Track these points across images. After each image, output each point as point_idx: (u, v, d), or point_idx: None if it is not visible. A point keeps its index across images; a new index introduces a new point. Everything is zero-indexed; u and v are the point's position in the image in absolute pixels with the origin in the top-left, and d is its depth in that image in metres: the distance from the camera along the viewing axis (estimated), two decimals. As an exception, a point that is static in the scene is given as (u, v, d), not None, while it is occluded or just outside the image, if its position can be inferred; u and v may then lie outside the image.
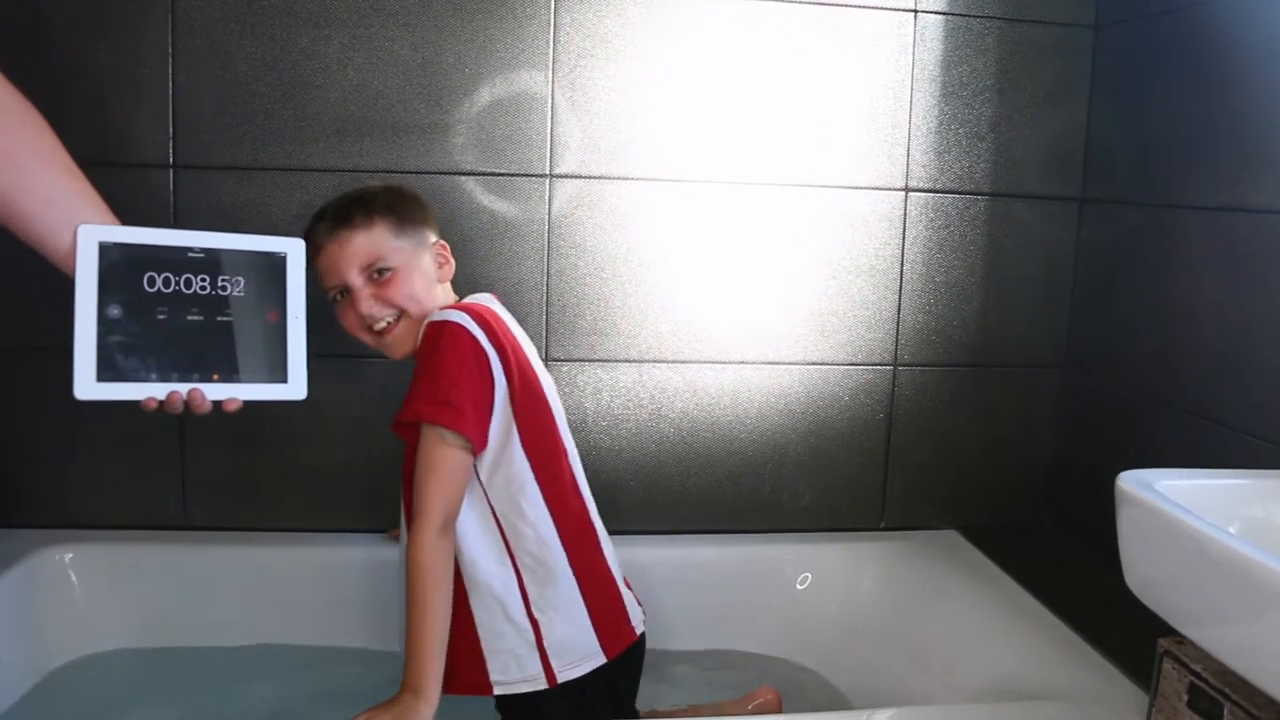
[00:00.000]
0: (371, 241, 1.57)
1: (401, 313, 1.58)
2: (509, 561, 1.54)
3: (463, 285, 1.95)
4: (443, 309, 1.53)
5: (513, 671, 1.53)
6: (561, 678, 1.53)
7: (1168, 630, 1.20)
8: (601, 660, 1.57)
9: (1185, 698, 1.27)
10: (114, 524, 2.00)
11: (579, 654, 1.56)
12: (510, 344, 1.54)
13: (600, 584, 1.61)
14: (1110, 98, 2.06)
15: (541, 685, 1.53)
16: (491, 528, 1.54)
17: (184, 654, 1.94)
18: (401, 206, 1.62)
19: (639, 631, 1.66)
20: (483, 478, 1.52)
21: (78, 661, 1.89)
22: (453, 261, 1.66)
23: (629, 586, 1.70)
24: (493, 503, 1.53)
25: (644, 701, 1.83)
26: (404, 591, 1.46)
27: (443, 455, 1.45)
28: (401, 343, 1.60)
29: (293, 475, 2.03)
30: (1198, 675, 1.25)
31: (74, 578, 1.93)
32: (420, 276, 1.60)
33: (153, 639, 1.94)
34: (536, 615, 1.53)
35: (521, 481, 1.53)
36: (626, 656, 1.62)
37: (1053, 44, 2.08)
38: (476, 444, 1.47)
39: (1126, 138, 2.00)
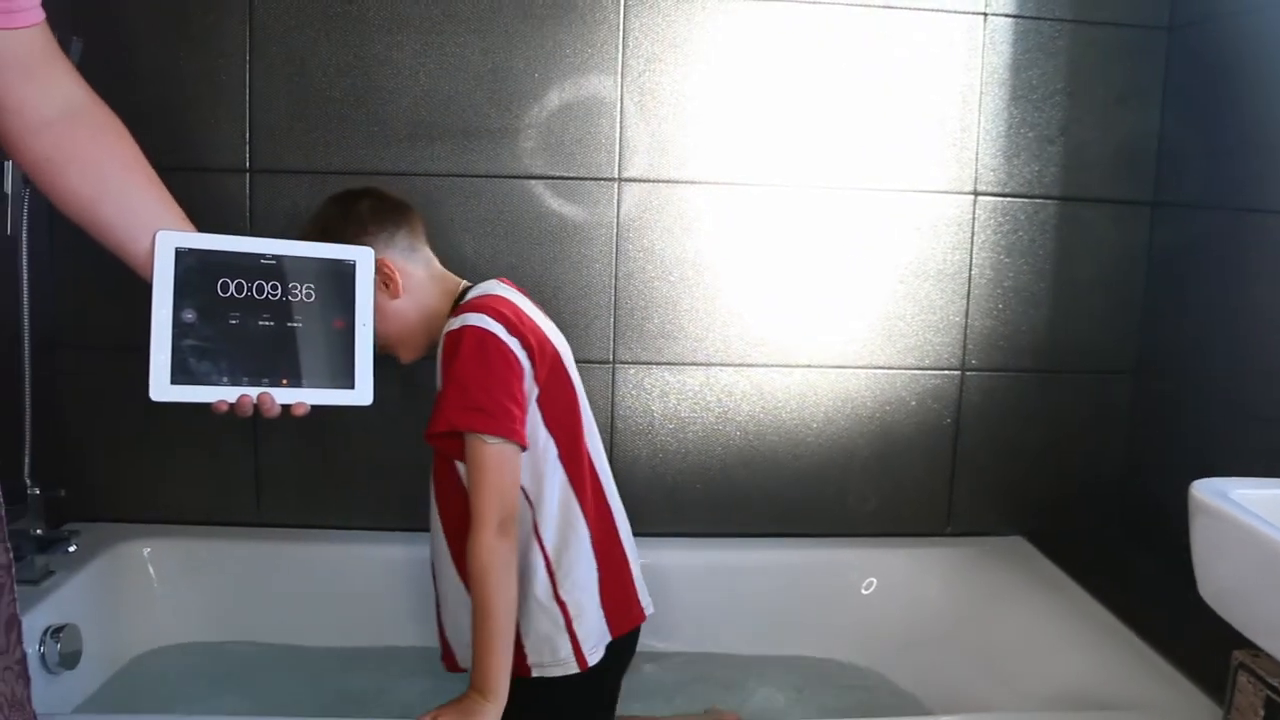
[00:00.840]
0: None
1: None
2: (536, 544, 1.55)
3: (529, 289, 1.97)
4: (459, 312, 1.52)
5: (546, 655, 1.54)
6: (590, 661, 1.54)
7: (1242, 642, 1.19)
8: (608, 639, 1.58)
9: (1261, 712, 1.25)
10: (190, 519, 2.05)
11: (597, 637, 1.57)
12: (530, 328, 1.54)
13: (616, 562, 1.62)
14: (1183, 100, 2.03)
15: (574, 669, 1.54)
16: (523, 508, 1.54)
17: (254, 647, 1.98)
18: (332, 226, 1.58)
19: (648, 613, 1.66)
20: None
21: (155, 651, 1.94)
22: (400, 280, 1.57)
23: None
24: (521, 483, 1.53)
25: (705, 700, 1.84)
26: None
27: (485, 456, 1.45)
28: (400, 351, 1.63)
29: (365, 472, 2.06)
30: (1275, 689, 1.23)
31: (152, 571, 1.98)
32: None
33: (225, 632, 1.99)
34: (564, 597, 1.54)
35: (547, 461, 1.55)
36: (629, 636, 1.63)
37: (1125, 46, 2.06)
38: (519, 441, 1.47)
39: (1200, 140, 1.97)
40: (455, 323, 1.50)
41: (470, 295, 1.59)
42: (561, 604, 1.54)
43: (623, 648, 1.63)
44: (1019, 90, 2.05)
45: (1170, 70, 2.06)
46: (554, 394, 1.55)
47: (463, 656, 1.61)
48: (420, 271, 1.61)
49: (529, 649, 1.54)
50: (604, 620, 1.58)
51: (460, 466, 1.53)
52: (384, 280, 1.57)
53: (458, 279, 1.66)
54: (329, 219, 1.60)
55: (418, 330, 1.62)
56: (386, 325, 1.58)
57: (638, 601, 1.65)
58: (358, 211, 1.60)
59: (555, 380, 1.56)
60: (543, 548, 1.55)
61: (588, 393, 1.98)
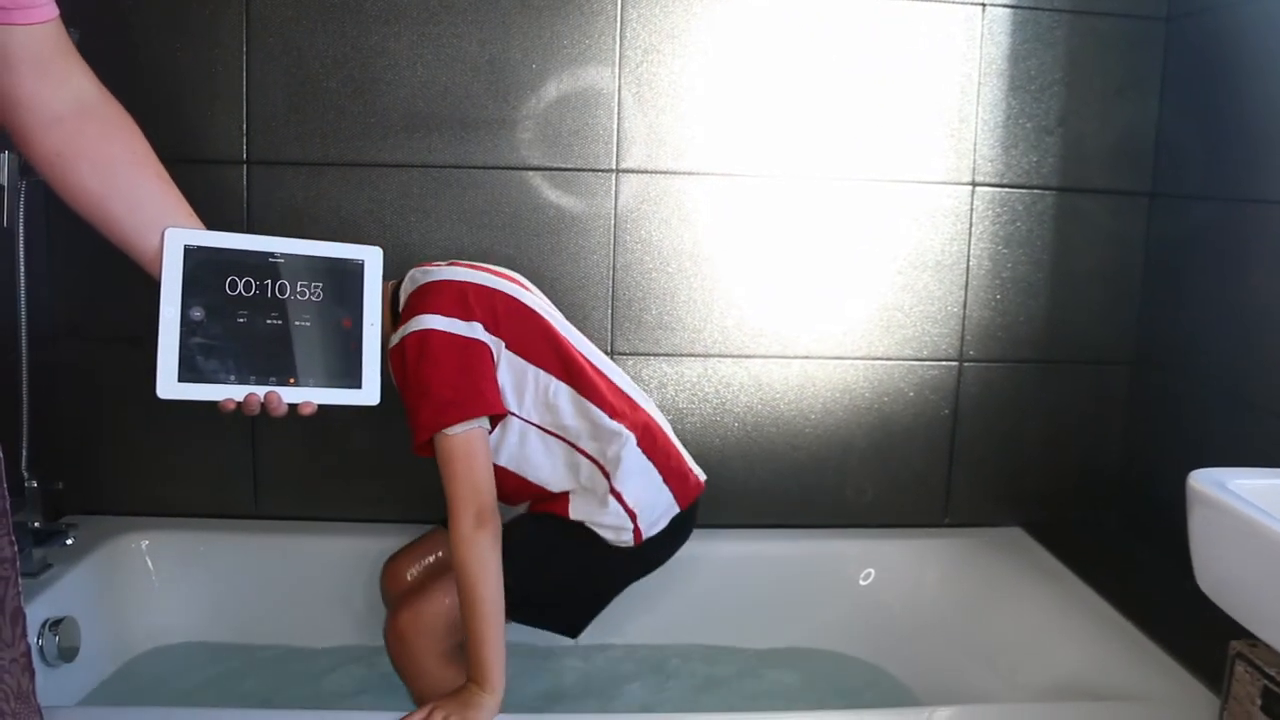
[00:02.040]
0: None
1: None
2: (581, 457, 1.62)
3: (532, 281, 1.97)
4: (411, 313, 1.54)
5: (609, 536, 1.61)
6: (646, 535, 1.63)
7: (1240, 632, 1.19)
8: (677, 510, 1.67)
9: (1259, 701, 1.26)
10: (188, 512, 2.05)
11: (660, 511, 1.65)
12: (484, 298, 1.57)
13: (663, 447, 1.67)
14: (1182, 91, 2.03)
15: (629, 543, 1.62)
16: (550, 442, 1.62)
17: (252, 640, 1.99)
18: None
19: (702, 478, 1.74)
20: (512, 408, 1.58)
21: (153, 644, 1.94)
22: None
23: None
24: (537, 422, 1.60)
25: (702, 691, 1.84)
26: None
27: (450, 448, 1.48)
28: None
29: (363, 465, 2.06)
30: (1272, 679, 1.24)
31: (150, 564, 1.98)
32: None
33: (224, 624, 1.99)
34: (627, 500, 1.60)
35: (548, 391, 1.60)
36: (690, 509, 1.72)
37: (1123, 37, 2.06)
38: (493, 409, 1.51)
39: (1198, 131, 1.97)
40: (407, 329, 1.53)
41: (403, 297, 1.61)
42: (627, 509, 1.61)
43: (684, 520, 1.71)
44: (1017, 81, 2.05)
45: (1168, 61, 2.06)
46: (526, 338, 1.60)
47: None
48: None
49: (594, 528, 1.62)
50: (671, 494, 1.66)
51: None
52: None
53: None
54: None
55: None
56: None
57: (691, 473, 1.72)
58: None
59: (524, 326, 1.61)
60: (594, 460, 1.62)
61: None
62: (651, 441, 1.64)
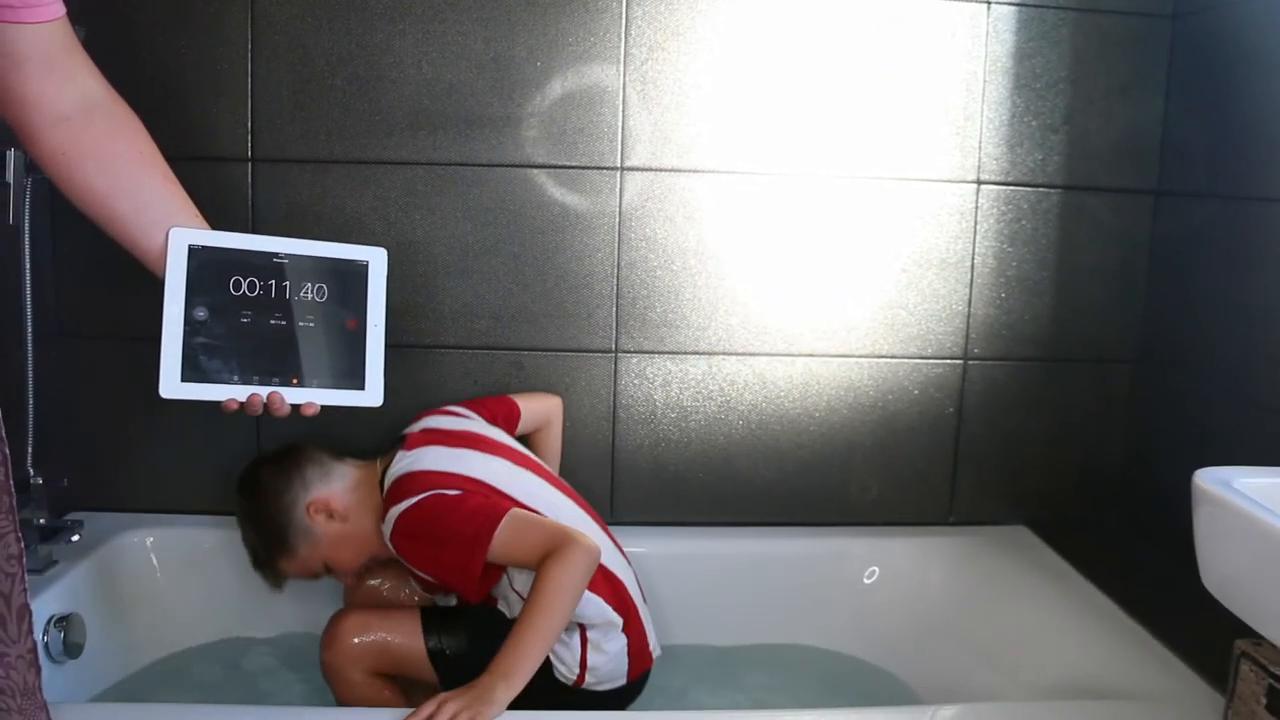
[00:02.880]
0: (294, 573, 1.73)
1: (348, 570, 1.73)
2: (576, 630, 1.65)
3: (531, 278, 1.98)
4: (393, 502, 1.59)
5: (556, 664, 1.63)
6: (586, 687, 1.65)
7: (1245, 631, 1.19)
8: (623, 683, 1.69)
9: (1264, 700, 1.25)
10: (193, 509, 2.05)
11: (610, 680, 1.67)
12: (441, 479, 1.62)
13: (635, 622, 1.70)
14: (1188, 89, 2.02)
15: (569, 683, 1.64)
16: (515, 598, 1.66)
17: (255, 636, 2.00)
18: (269, 543, 1.69)
19: (655, 655, 1.76)
20: (515, 585, 1.63)
21: (158, 641, 1.94)
22: (337, 508, 1.69)
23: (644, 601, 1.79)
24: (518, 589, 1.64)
25: (704, 689, 1.85)
26: None
27: (505, 549, 1.53)
28: (378, 557, 1.75)
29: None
30: (1277, 678, 1.23)
31: (155, 560, 1.98)
32: (343, 549, 1.70)
33: (227, 621, 2.00)
34: (588, 657, 1.65)
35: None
36: (640, 679, 1.73)
37: (1129, 34, 2.05)
38: (505, 509, 1.56)
39: (1204, 130, 1.97)
40: (387, 528, 1.58)
41: (389, 480, 1.65)
42: (584, 663, 1.64)
43: (633, 689, 1.72)
44: (1022, 79, 2.05)
45: (1174, 59, 2.06)
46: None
47: None
48: (343, 487, 1.71)
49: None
50: (626, 669, 1.69)
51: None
52: (328, 514, 1.68)
53: (371, 465, 1.75)
54: (270, 535, 1.70)
55: (373, 540, 1.70)
56: (345, 552, 1.71)
57: (649, 649, 1.73)
58: (262, 488, 1.70)
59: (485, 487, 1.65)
60: (582, 632, 1.65)
61: (589, 383, 2.02)
62: (622, 606, 1.68)
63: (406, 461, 1.66)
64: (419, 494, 1.57)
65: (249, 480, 1.73)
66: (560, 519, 1.64)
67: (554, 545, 1.50)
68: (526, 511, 1.59)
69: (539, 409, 1.97)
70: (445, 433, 1.75)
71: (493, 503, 1.58)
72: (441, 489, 1.59)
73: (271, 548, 1.69)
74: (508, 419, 1.89)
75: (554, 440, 2.00)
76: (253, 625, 2.00)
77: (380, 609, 1.71)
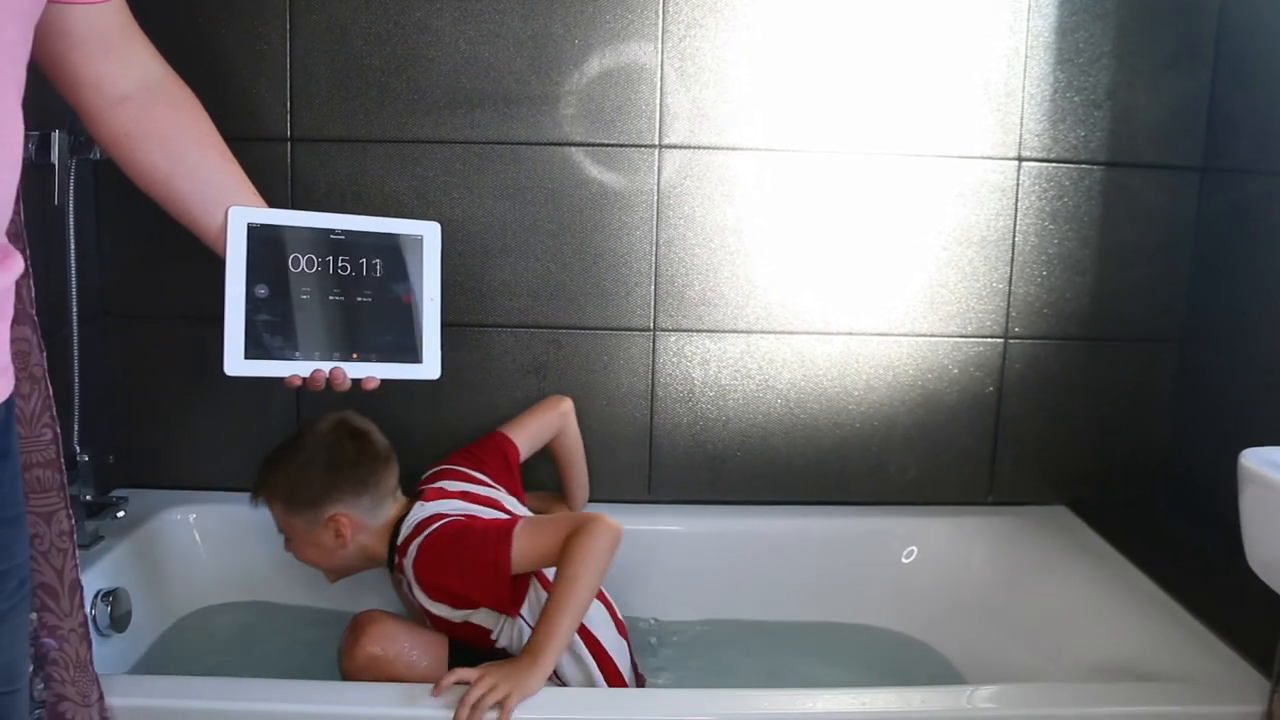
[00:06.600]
0: (272, 512, 1.72)
1: (300, 558, 1.74)
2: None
3: (570, 257, 1.98)
4: (411, 538, 1.61)
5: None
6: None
7: (1292, 612, 1.18)
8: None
9: (1311, 682, 1.25)
10: (235, 486, 2.06)
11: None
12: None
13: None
14: (1235, 62, 1.99)
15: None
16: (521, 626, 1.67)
17: (294, 609, 2.03)
18: (295, 489, 1.67)
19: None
20: (524, 615, 1.65)
21: (200, 612, 1.98)
22: (351, 533, 1.67)
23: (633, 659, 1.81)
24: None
25: (744, 666, 1.85)
26: None
27: (525, 553, 1.55)
28: (330, 576, 1.78)
29: (402, 438, 2.06)
30: (1325, 658, 1.22)
31: (197, 536, 2.01)
32: (313, 549, 1.71)
33: (266, 595, 2.03)
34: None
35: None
36: None
37: (1175, 6, 2.02)
38: (516, 522, 1.59)
39: (1251, 104, 1.93)
40: (408, 564, 1.60)
41: (407, 527, 1.66)
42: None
43: None
44: (1065, 53, 2.02)
45: (1222, 32, 2.02)
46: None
47: None
48: (373, 524, 1.70)
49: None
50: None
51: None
52: (335, 531, 1.67)
53: (401, 503, 1.74)
54: (302, 485, 1.68)
55: (355, 565, 1.74)
56: (326, 560, 1.72)
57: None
58: (320, 476, 1.67)
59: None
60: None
61: (627, 361, 2.02)
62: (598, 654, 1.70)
63: (428, 509, 1.68)
64: (435, 524, 1.61)
65: (333, 444, 1.70)
66: None
67: (575, 526, 1.51)
68: (532, 525, 1.60)
69: (541, 425, 1.96)
70: (459, 494, 1.77)
71: (500, 522, 1.63)
72: (453, 516, 1.64)
73: (278, 495, 1.69)
74: (507, 464, 1.88)
75: (572, 442, 2.00)
76: (290, 598, 2.02)
77: (407, 623, 1.69)
